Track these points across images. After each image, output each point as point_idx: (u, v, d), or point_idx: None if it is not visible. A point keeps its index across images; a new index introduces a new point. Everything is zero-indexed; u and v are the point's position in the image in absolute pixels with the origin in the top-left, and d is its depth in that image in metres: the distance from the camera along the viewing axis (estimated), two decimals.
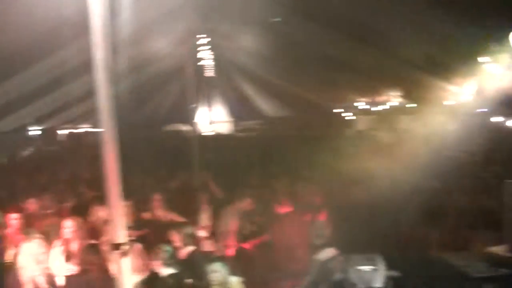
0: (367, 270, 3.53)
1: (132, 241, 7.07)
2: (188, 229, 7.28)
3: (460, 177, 11.46)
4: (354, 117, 32.64)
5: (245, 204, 9.89)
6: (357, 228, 8.36)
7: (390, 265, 3.67)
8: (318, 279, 6.32)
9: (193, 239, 7.29)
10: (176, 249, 6.95)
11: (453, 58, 13.88)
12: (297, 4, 13.67)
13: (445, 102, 17.81)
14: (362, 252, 3.74)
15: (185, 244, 7.07)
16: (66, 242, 7.16)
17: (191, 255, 7.03)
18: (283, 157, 15.83)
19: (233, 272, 6.44)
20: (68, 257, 7.04)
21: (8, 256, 7.26)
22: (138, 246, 7.15)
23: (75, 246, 7.14)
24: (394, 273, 3.62)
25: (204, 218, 9.66)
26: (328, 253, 6.58)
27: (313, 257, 6.66)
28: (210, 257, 6.83)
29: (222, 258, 6.38)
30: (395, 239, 8.29)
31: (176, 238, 7.14)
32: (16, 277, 5.89)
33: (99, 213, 8.23)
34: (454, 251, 7.64)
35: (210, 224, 8.94)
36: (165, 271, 6.32)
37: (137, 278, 6.78)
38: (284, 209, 8.39)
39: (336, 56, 18.42)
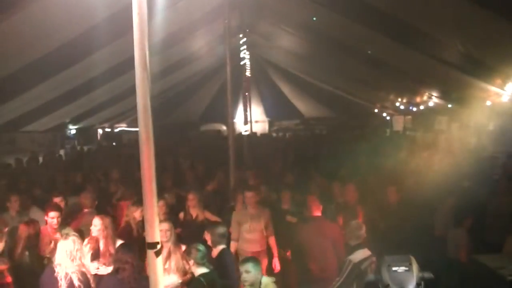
0: (401, 271, 3.48)
1: (175, 240, 7.20)
2: (221, 229, 7.29)
3: (497, 178, 11.29)
4: (393, 117, 32.40)
5: (281, 203, 9.92)
6: (391, 229, 8.31)
7: (423, 266, 3.63)
8: (351, 280, 6.30)
9: (226, 239, 7.32)
10: (209, 248, 6.99)
11: (494, 58, 13.61)
12: (337, 3, 13.61)
13: (485, 103, 17.49)
14: (396, 252, 3.70)
15: (217, 244, 7.11)
16: (94, 240, 7.31)
17: (223, 254, 7.07)
18: (320, 157, 15.78)
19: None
20: (95, 255, 7.18)
21: (45, 253, 7.45)
22: (180, 246, 7.23)
23: (102, 245, 7.29)
24: (428, 274, 3.57)
25: None
26: (361, 254, 6.57)
27: (347, 257, 6.65)
28: (242, 257, 6.83)
29: (254, 258, 6.34)
30: (429, 239, 8.20)
31: (208, 237, 7.18)
32: (52, 274, 5.99)
33: (134, 212, 8.38)
34: (488, 253, 7.52)
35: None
36: (198, 270, 6.35)
37: (176, 278, 6.88)
38: (318, 209, 8.32)
39: (375, 56, 18.30)
